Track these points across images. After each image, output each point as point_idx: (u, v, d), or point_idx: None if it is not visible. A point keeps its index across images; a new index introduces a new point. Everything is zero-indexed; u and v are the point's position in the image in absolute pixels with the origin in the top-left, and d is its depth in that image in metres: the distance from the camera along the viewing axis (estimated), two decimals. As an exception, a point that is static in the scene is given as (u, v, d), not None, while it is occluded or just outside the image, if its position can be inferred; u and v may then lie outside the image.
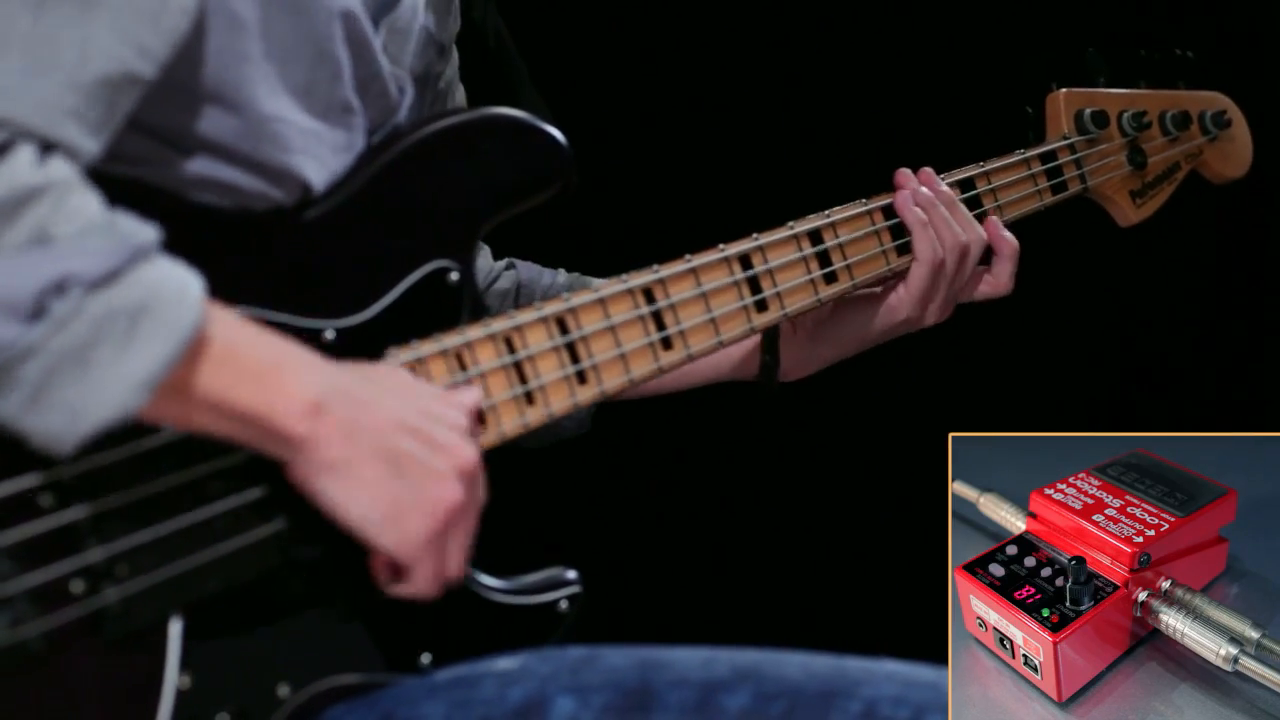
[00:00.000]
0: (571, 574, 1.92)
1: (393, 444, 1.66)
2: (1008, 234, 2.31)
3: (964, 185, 2.31)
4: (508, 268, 2.39)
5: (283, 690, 1.73)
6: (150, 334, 1.55)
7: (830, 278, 2.18)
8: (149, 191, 1.68)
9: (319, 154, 1.84)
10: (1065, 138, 2.46)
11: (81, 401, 1.52)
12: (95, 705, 1.62)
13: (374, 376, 1.72)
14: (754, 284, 2.09)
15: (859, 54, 3.53)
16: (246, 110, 1.78)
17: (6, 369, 1.51)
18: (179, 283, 1.59)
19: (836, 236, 2.18)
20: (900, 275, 2.25)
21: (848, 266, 2.19)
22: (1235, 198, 2.82)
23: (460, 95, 2.27)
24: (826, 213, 2.20)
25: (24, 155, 1.55)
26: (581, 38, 3.44)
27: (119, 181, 1.64)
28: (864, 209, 2.23)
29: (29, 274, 1.52)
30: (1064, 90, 2.49)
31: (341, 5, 1.84)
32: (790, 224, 2.16)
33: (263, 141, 1.79)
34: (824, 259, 2.17)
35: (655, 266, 2.02)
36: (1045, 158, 2.42)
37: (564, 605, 1.91)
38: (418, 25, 2.03)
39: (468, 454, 1.71)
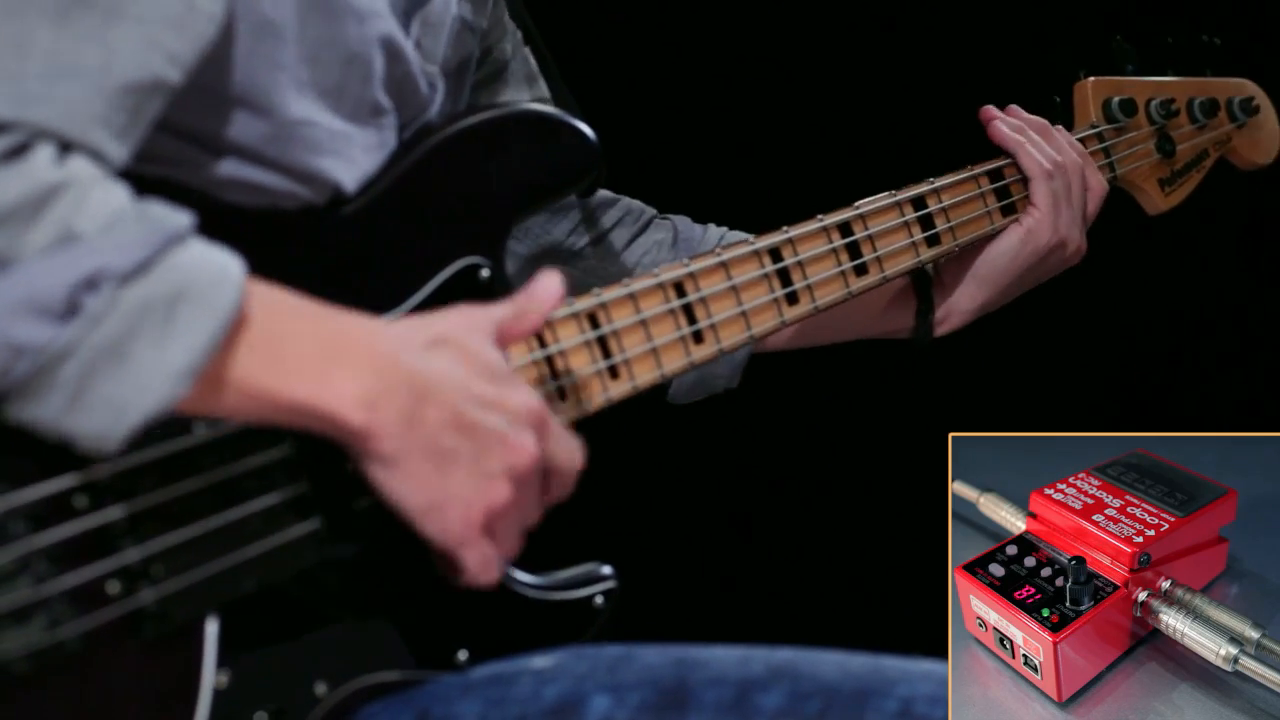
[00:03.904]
0: (607, 569, 1.92)
1: (443, 444, 1.64)
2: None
3: (992, 175, 2.32)
4: (660, 218, 2.40)
5: (320, 688, 1.72)
6: (189, 319, 1.52)
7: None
8: (178, 190, 1.66)
9: (349, 155, 1.82)
10: (1093, 126, 2.47)
11: (123, 397, 1.50)
12: (133, 705, 1.60)
13: (441, 340, 1.68)
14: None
15: (886, 45, 3.54)
16: (274, 114, 1.77)
17: (45, 371, 1.48)
18: (216, 265, 1.56)
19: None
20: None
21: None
22: (1234, 198, 2.84)
23: (527, 66, 2.28)
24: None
25: (42, 155, 1.52)
26: (606, 32, 3.44)
27: (147, 180, 1.62)
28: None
29: (58, 273, 1.49)
30: (1092, 79, 2.50)
31: (371, 7, 1.83)
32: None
33: (291, 145, 1.78)
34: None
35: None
36: None
37: (600, 601, 1.90)
38: (450, 16, 2.01)
39: (523, 452, 1.67)
